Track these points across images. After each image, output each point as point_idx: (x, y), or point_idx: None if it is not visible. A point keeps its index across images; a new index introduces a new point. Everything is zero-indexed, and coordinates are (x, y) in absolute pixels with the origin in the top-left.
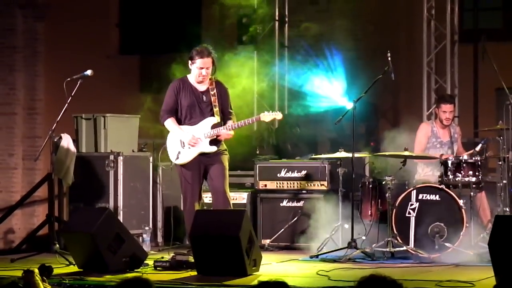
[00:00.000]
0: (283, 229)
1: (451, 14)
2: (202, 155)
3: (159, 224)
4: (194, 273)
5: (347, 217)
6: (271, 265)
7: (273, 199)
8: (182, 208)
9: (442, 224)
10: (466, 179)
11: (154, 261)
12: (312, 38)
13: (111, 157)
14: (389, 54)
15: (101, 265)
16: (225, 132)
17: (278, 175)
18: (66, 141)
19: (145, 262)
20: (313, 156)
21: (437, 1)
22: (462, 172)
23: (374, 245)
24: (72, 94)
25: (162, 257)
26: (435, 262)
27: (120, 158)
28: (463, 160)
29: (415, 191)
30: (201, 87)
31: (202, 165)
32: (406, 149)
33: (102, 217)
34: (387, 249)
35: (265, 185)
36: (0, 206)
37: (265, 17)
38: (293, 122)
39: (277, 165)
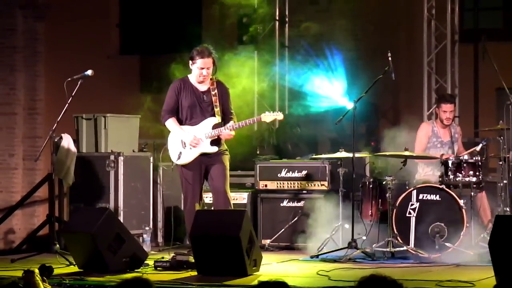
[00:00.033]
0: (283, 229)
1: (451, 14)
2: (203, 155)
3: (160, 224)
4: (195, 273)
5: (348, 217)
6: (272, 265)
7: (274, 199)
8: (182, 208)
9: (442, 224)
10: (467, 179)
11: (155, 261)
12: (313, 38)
13: (112, 157)
14: (389, 54)
15: (102, 265)
16: (226, 132)
17: (278, 175)
18: (67, 141)
19: (146, 262)
20: (314, 156)
21: (437, 1)
22: (462, 172)
23: (375, 245)
24: (73, 94)
25: (163, 257)
26: (436, 262)
27: (121, 158)
28: (464, 160)
29: (415, 191)
30: (202, 87)
31: (203, 165)
32: (406, 149)
33: (103, 217)
34: (388, 249)
35: (266, 185)
36: (0, 206)
37: (265, 17)
38: (294, 122)
39: (278, 165)
